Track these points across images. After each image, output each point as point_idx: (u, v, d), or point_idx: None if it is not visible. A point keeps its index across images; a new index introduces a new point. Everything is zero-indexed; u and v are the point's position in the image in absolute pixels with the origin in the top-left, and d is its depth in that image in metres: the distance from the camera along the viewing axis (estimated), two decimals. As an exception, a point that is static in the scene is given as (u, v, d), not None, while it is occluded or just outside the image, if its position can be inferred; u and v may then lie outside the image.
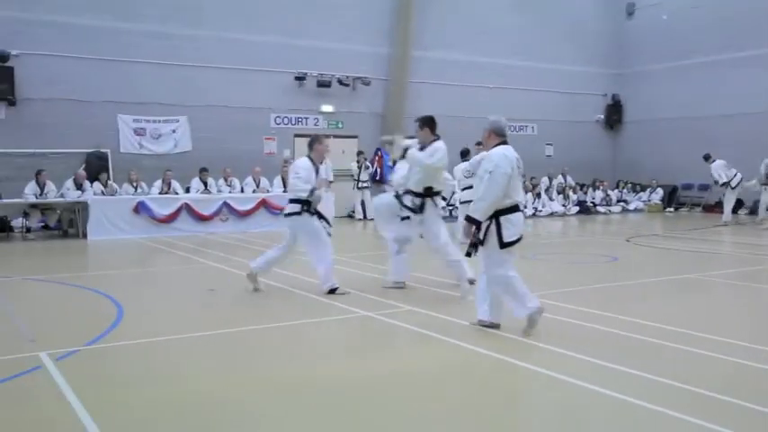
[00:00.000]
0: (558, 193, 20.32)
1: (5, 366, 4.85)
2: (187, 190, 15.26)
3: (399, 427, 3.83)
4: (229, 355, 5.30)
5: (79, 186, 14.09)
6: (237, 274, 8.98)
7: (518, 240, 5.65)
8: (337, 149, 18.60)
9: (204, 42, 16.93)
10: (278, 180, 16.03)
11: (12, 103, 15.01)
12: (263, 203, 14.99)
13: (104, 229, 13.00)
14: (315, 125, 18.80)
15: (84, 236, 13.16)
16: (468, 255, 5.78)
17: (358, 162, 18.02)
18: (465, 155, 12.38)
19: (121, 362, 5.16)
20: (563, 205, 19.98)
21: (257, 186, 15.73)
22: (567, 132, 22.71)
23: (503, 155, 5.59)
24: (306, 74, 18.27)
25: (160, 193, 14.66)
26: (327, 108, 18.98)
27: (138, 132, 16.55)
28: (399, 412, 4.04)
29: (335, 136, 18.71)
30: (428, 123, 7.39)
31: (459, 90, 20.44)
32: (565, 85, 22.60)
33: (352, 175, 18.04)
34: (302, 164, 7.65)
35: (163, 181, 15.00)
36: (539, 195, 19.46)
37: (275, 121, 18.26)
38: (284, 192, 15.73)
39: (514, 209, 5.63)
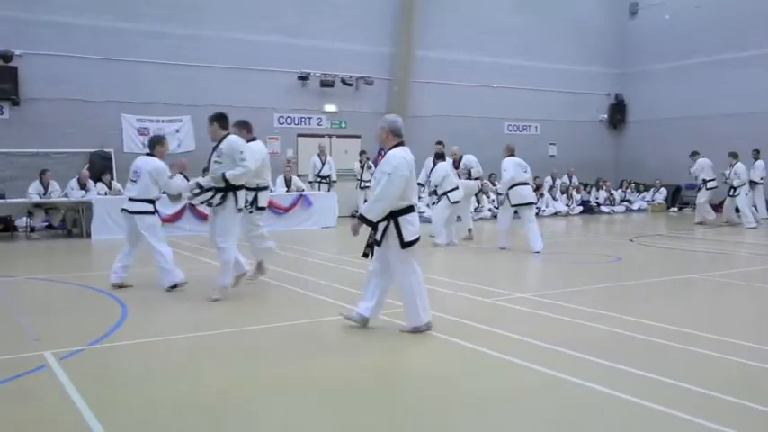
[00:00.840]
0: (562, 193, 20.29)
1: (10, 365, 4.86)
2: (190, 189, 15.25)
3: (404, 425, 3.84)
4: (232, 354, 5.30)
5: (83, 186, 14.11)
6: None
7: (417, 240, 5.72)
8: (340, 149, 18.67)
9: (207, 42, 16.94)
10: (280, 179, 16.04)
11: (15, 102, 15.03)
12: (267, 203, 14.95)
13: (108, 229, 12.98)
14: (318, 125, 18.82)
15: (89, 235, 13.18)
16: (365, 255, 5.81)
17: (360, 162, 18.02)
18: (441, 157, 12.71)
19: (125, 361, 5.17)
20: (566, 205, 19.96)
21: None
22: (570, 132, 22.70)
23: (401, 157, 5.64)
24: (309, 74, 18.28)
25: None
26: (330, 108, 18.98)
27: (142, 132, 16.56)
28: (399, 410, 4.04)
29: (338, 136, 18.76)
30: (218, 119, 7.41)
31: (462, 90, 20.45)
32: (568, 85, 22.58)
33: (355, 175, 18.05)
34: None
35: (166, 180, 14.99)
36: (542, 195, 19.44)
37: (278, 120, 18.28)
38: (287, 191, 15.79)
39: (410, 209, 5.69)
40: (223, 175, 7.23)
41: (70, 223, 14.17)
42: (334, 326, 6.16)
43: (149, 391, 4.40)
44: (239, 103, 17.31)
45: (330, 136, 18.75)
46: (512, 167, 11.21)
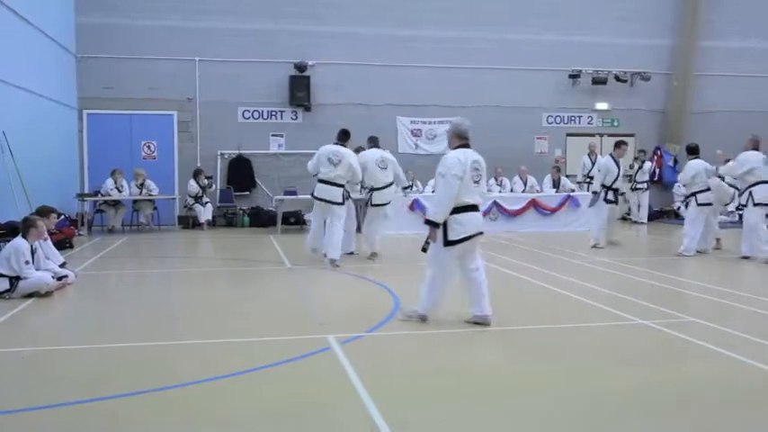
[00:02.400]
0: None
1: (301, 345, 5.41)
2: (459, 189, 15.66)
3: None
4: (506, 351, 5.34)
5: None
6: (506, 273, 9.04)
7: (466, 239, 5.86)
8: (612, 149, 17.78)
9: (479, 44, 17.24)
10: (548, 179, 15.81)
11: (308, 108, 16.70)
12: (533, 204, 14.87)
13: (383, 225, 13.76)
14: (588, 123, 18.20)
15: (359, 230, 14.12)
16: (424, 250, 6.01)
17: (635, 161, 17.03)
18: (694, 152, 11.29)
19: (398, 350, 5.46)
20: None
21: (525, 186, 15.66)
22: None
23: (455, 158, 5.82)
24: (580, 71, 17.73)
25: (434, 192, 15.24)
26: (602, 106, 18.23)
27: (415, 133, 17.42)
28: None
29: (610, 135, 17.92)
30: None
31: (755, 82, 18.36)
32: None
33: (629, 176, 17.11)
34: None
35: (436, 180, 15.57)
36: None
37: (547, 120, 18.01)
38: (556, 192, 15.50)
39: (463, 209, 5.81)
40: None
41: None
42: (605, 332, 5.90)
43: (421, 380, 4.60)
44: (507, 102, 17.43)
45: (601, 135, 18.01)
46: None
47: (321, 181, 9.76)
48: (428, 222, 5.93)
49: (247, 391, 4.36)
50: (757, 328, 5.93)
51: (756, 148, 10.34)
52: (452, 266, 6.07)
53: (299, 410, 4.03)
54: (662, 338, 5.67)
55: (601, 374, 4.76)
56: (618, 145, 12.07)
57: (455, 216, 5.84)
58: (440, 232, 5.87)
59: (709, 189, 10.77)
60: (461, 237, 5.87)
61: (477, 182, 5.93)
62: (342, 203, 9.73)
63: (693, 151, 11.21)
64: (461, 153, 5.92)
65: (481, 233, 6.05)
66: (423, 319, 6.14)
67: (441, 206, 5.83)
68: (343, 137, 10.20)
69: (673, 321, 6.16)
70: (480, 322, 6.02)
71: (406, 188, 13.70)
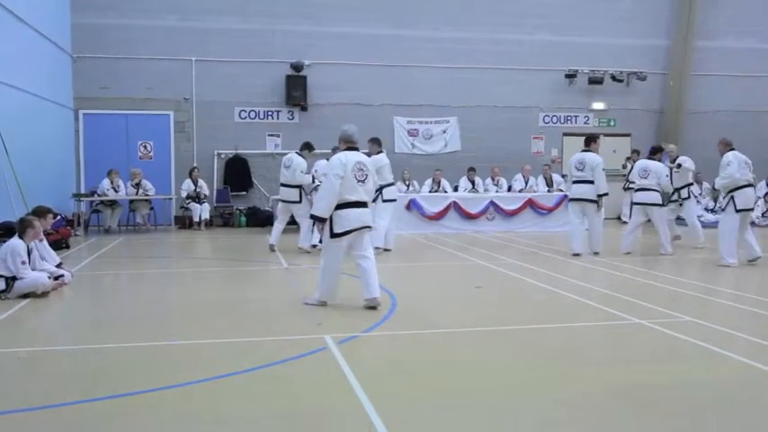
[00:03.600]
0: None
1: (299, 344, 5.42)
2: (455, 189, 15.74)
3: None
4: (514, 351, 5.34)
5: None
6: (503, 273, 9.06)
7: (349, 232, 6.56)
8: (608, 148, 17.83)
9: (475, 44, 17.26)
10: (541, 180, 15.87)
11: (304, 108, 16.70)
12: (530, 203, 14.90)
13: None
14: (585, 123, 18.24)
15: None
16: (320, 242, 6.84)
17: (628, 161, 17.05)
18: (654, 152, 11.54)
19: (395, 350, 5.46)
20: None
21: (525, 185, 15.68)
22: None
23: (338, 159, 6.59)
24: (577, 71, 17.76)
25: (430, 192, 15.29)
26: (599, 105, 18.28)
27: (412, 133, 17.43)
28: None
29: (607, 134, 17.93)
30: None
31: (751, 81, 18.42)
32: None
33: (624, 175, 17.13)
34: None
35: (433, 180, 15.61)
36: None
37: (543, 119, 18.04)
38: (548, 191, 15.53)
39: (346, 205, 6.52)
40: None
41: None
42: (601, 332, 5.91)
43: (419, 379, 4.60)
44: (503, 102, 17.47)
45: (598, 135, 17.99)
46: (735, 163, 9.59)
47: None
48: (312, 217, 6.67)
49: (244, 390, 4.36)
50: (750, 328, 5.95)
51: (732, 148, 10.03)
52: (340, 256, 6.72)
53: (296, 410, 4.03)
54: (659, 338, 5.68)
55: (598, 374, 4.77)
56: (587, 142, 10.93)
57: (338, 212, 6.54)
58: (327, 226, 6.57)
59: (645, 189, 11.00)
60: (344, 230, 6.57)
61: (362, 181, 6.65)
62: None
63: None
64: (344, 155, 6.66)
65: (368, 227, 6.72)
66: (322, 304, 6.80)
67: (322, 202, 6.58)
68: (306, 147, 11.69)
69: (670, 321, 6.17)
70: (370, 305, 6.66)
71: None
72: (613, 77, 17.92)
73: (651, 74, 18.11)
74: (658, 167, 11.08)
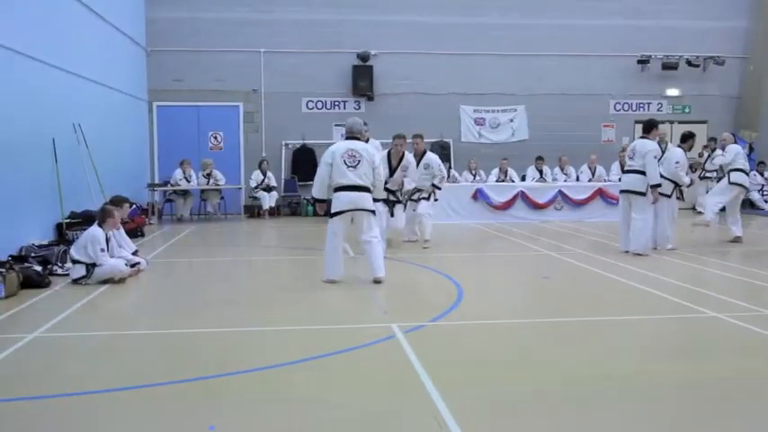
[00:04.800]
0: None
1: (367, 333, 5.47)
2: (523, 178, 15.53)
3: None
4: (568, 345, 5.27)
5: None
6: (570, 263, 8.91)
7: (342, 212, 7.30)
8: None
9: (544, 31, 16.95)
10: (615, 166, 15.43)
11: (370, 98, 16.76)
12: (600, 192, 14.59)
13: (445, 214, 13.77)
14: (658, 110, 17.67)
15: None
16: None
17: (705, 149, 16.45)
18: (685, 139, 10.74)
19: (461, 339, 5.45)
20: None
21: (593, 175, 15.35)
22: None
23: (330, 149, 7.39)
24: (650, 56, 17.22)
25: (497, 181, 15.13)
26: (673, 92, 17.69)
27: (478, 122, 17.27)
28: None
29: (681, 122, 17.37)
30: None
31: (837, 65, 17.48)
32: None
33: (701, 164, 16.53)
34: None
35: (500, 169, 15.44)
36: None
37: (614, 107, 17.58)
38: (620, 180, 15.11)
39: (339, 189, 7.28)
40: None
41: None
42: (675, 325, 5.75)
43: (484, 370, 4.58)
44: (574, 90, 17.09)
45: (672, 122, 17.47)
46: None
47: None
48: (313, 199, 7.53)
49: (312, 377, 4.44)
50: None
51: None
52: (339, 235, 7.42)
53: (364, 398, 4.07)
54: (735, 332, 5.49)
55: (672, 368, 4.64)
56: (647, 128, 9.87)
57: (334, 194, 7.34)
58: (327, 207, 7.48)
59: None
60: (336, 210, 7.32)
61: (352, 166, 7.28)
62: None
63: (684, 139, 10.66)
64: (337, 144, 7.52)
65: (363, 209, 7.31)
66: (331, 282, 7.40)
67: (315, 186, 7.51)
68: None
69: (747, 315, 5.95)
70: (376, 281, 7.38)
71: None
72: (689, 62, 17.30)
73: (729, 58, 17.40)
74: (646, 146, 9.46)
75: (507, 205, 14.31)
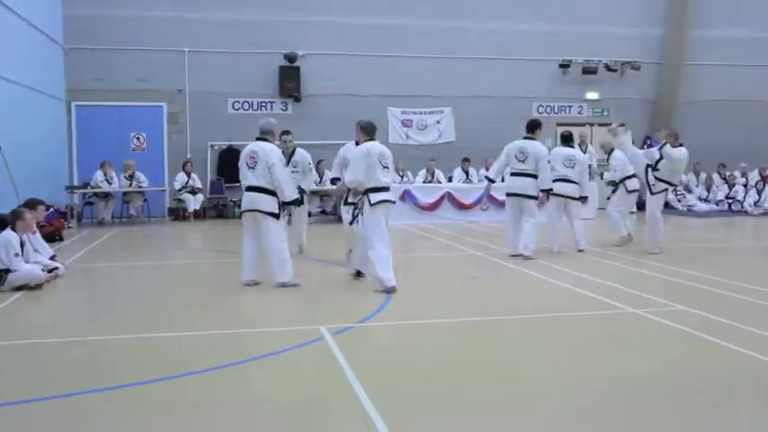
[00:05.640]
0: None
1: (294, 335, 5.43)
2: (449, 179, 15.75)
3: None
4: (493, 343, 5.36)
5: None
6: (497, 263, 9.08)
7: (243, 213, 7.60)
8: (603, 139, 17.84)
9: (470, 34, 17.21)
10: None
11: (297, 99, 16.65)
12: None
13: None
14: (579, 113, 18.25)
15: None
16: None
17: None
18: (568, 140, 10.44)
19: (389, 340, 5.48)
20: None
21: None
22: None
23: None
24: (571, 61, 17.76)
25: (424, 182, 15.28)
26: (592, 95, 18.29)
27: (406, 124, 17.41)
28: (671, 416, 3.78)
29: (600, 124, 17.95)
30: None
31: (745, 71, 18.42)
32: None
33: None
34: None
35: (427, 170, 15.61)
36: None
37: (537, 110, 18.01)
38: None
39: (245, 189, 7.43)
40: None
41: (341, 209, 15.31)
42: (594, 321, 5.94)
43: (410, 369, 4.61)
44: (498, 92, 17.42)
45: (591, 125, 18.05)
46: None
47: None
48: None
49: (240, 381, 4.37)
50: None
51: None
52: (246, 233, 7.59)
53: (291, 401, 4.03)
54: (650, 326, 5.71)
55: (595, 364, 4.79)
56: (530, 128, 9.54)
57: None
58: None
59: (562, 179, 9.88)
60: (241, 210, 7.76)
61: (252, 167, 7.44)
62: None
63: (566, 140, 10.46)
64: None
65: (257, 210, 7.32)
66: (247, 284, 7.40)
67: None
68: None
69: (664, 310, 6.19)
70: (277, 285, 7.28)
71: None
72: (607, 67, 17.93)
73: (645, 63, 18.12)
74: (537, 150, 9.22)
75: (434, 206, 14.48)
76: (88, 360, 4.96)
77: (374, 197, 6.98)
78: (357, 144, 7.46)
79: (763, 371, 4.56)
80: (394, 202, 7.35)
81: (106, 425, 3.70)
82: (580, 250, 9.93)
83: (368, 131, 7.29)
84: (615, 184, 11.04)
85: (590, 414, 3.84)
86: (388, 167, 7.13)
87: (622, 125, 10.49)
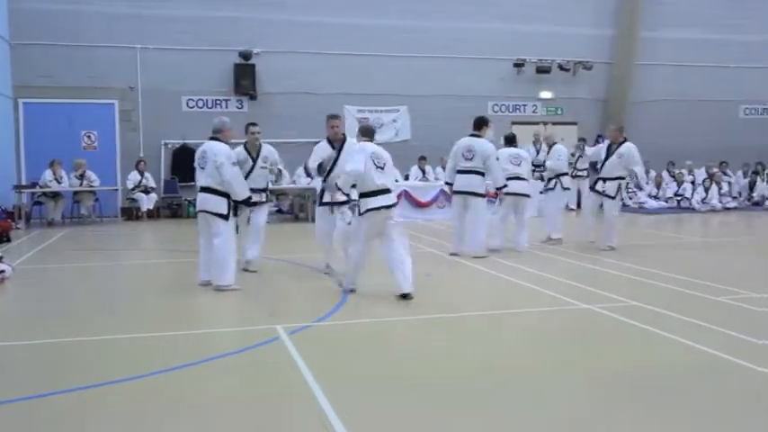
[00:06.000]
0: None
1: (250, 335, 5.40)
2: (406, 177, 15.79)
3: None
4: (448, 338, 5.40)
5: (309, 174, 15.07)
6: (452, 260, 9.14)
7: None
8: (556, 137, 18.09)
9: (425, 33, 17.27)
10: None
11: (253, 97, 16.50)
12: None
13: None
14: (533, 112, 18.49)
15: (313, 220, 14.03)
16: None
17: (576, 149, 17.32)
18: (512, 141, 10.60)
19: (346, 339, 5.47)
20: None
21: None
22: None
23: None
24: (525, 60, 17.98)
25: (381, 181, 15.27)
26: (546, 94, 18.55)
27: (362, 122, 17.37)
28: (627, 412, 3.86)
29: (554, 123, 18.24)
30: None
31: (694, 71, 18.91)
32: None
33: (570, 164, 17.40)
34: None
35: (384, 168, 15.60)
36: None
37: (492, 108, 18.18)
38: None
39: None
40: None
41: (297, 208, 15.25)
42: (548, 317, 6.03)
43: (369, 368, 4.62)
44: (454, 91, 17.52)
45: (545, 123, 18.30)
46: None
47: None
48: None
49: (195, 382, 4.32)
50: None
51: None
52: (203, 235, 7.47)
53: (248, 400, 4.00)
54: (604, 322, 5.82)
55: (552, 360, 4.86)
56: (477, 125, 9.61)
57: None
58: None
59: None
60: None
61: (202, 167, 7.44)
62: None
63: (510, 141, 10.57)
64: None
65: (204, 211, 7.29)
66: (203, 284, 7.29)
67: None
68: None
69: (617, 306, 6.32)
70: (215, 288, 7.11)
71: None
72: (560, 67, 18.20)
73: (597, 63, 18.45)
74: (484, 148, 9.21)
75: (392, 204, 14.47)
76: (37, 364, 4.84)
77: (365, 204, 6.67)
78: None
79: (711, 364, 4.69)
80: (391, 206, 6.80)
81: (66, 429, 3.61)
82: (522, 250, 9.79)
83: (364, 133, 7.20)
84: (550, 180, 11.34)
85: (547, 408, 3.90)
86: (382, 168, 6.75)
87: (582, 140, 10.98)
